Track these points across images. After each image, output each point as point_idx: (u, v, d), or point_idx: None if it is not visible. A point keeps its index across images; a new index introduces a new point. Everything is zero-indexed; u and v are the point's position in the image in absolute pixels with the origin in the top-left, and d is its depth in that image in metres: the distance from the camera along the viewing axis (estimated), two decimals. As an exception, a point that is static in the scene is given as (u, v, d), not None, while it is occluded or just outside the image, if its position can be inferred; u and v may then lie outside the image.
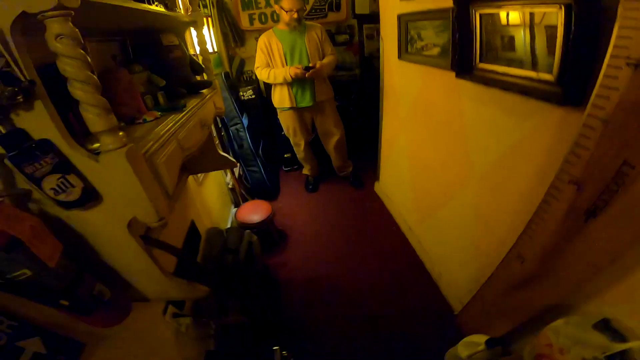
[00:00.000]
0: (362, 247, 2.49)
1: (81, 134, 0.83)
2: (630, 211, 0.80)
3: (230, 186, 2.88)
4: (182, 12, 1.70)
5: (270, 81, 2.75)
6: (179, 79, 1.50)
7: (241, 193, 2.93)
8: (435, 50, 1.66)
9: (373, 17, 3.62)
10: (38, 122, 0.68)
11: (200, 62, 1.73)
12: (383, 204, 2.91)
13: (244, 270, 1.94)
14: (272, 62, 2.72)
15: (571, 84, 0.93)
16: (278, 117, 3.06)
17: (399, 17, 1.96)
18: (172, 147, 0.98)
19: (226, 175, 2.86)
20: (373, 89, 3.51)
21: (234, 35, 3.48)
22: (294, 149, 3.20)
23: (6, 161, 0.68)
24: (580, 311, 1.00)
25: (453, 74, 1.45)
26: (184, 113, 1.16)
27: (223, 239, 2.17)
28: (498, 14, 1.18)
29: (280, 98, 2.82)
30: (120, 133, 0.73)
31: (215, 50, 3.24)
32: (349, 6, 3.61)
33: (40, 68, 0.69)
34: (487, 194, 1.43)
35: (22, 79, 0.63)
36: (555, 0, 0.93)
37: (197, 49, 1.90)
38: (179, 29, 1.69)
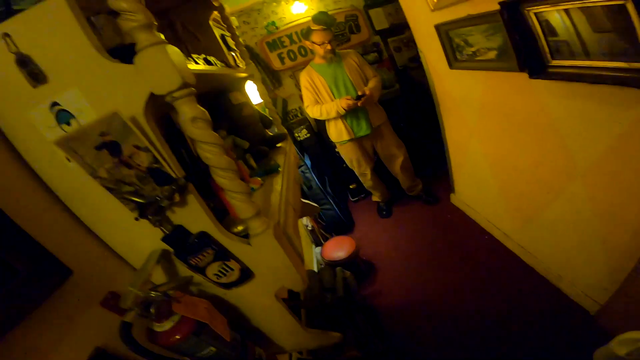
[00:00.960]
0: (456, 262, 2.38)
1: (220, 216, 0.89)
2: None
3: (309, 228, 2.93)
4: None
5: (323, 117, 2.74)
6: (256, 136, 1.52)
7: (320, 232, 2.97)
8: (492, 54, 1.61)
9: (395, 30, 3.67)
10: (192, 216, 0.74)
11: (267, 114, 1.79)
12: (465, 215, 2.79)
13: (347, 305, 1.94)
14: (320, 97, 2.73)
15: None
16: (337, 150, 3.07)
17: (437, 28, 1.93)
18: (291, 213, 1.04)
19: (302, 218, 2.93)
20: (418, 100, 3.48)
21: (270, 78, 3.58)
22: (360, 179, 3.16)
23: (173, 257, 0.75)
24: None
25: (524, 75, 1.39)
26: (281, 174, 1.22)
27: (318, 279, 2.20)
28: (553, 11, 1.14)
29: (337, 132, 2.81)
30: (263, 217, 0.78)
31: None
32: (368, 25, 3.66)
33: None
34: (604, 185, 1.33)
35: (174, 176, 0.68)
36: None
37: (258, 101, 1.96)
38: (238, 85, 1.74)
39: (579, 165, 1.41)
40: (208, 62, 1.15)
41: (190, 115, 0.63)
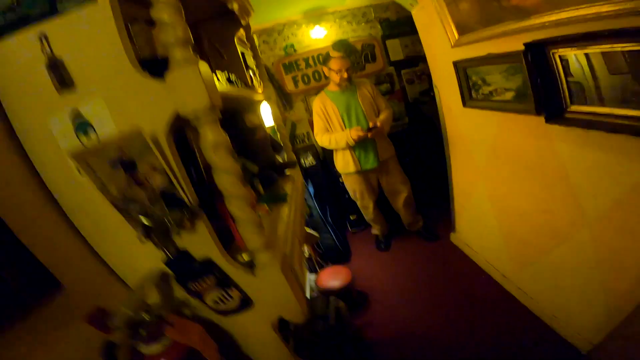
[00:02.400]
0: (452, 299, 2.34)
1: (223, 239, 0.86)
2: None
3: (307, 255, 2.87)
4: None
5: (332, 147, 2.72)
6: (266, 161, 1.50)
7: (316, 259, 2.91)
8: (509, 95, 1.61)
9: (409, 62, 3.72)
10: (199, 242, 0.71)
11: (278, 138, 1.76)
12: (464, 254, 2.75)
13: (338, 335, 1.88)
14: (330, 126, 2.70)
15: None
16: (342, 181, 3.04)
17: (455, 64, 1.95)
18: (296, 246, 1.02)
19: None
20: (426, 135, 3.49)
21: (282, 100, 3.56)
22: (362, 211, 3.12)
23: (173, 281, 0.71)
24: None
25: (540, 119, 1.40)
26: (289, 204, 1.19)
27: (310, 307, 2.12)
28: (584, 54, 1.15)
29: (344, 163, 2.78)
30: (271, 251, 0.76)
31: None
32: (383, 55, 3.71)
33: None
34: (610, 236, 1.31)
35: (188, 202, 0.66)
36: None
37: (270, 123, 1.93)
38: (253, 106, 1.72)
39: (587, 215, 1.39)
40: (230, 81, 1.13)
41: (213, 142, 0.61)
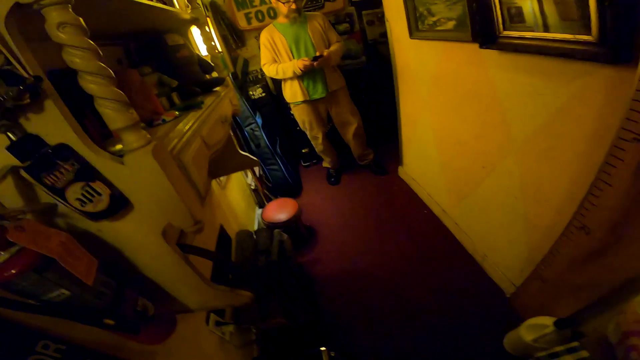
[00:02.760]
0: (394, 235, 2.41)
1: (99, 140, 0.76)
2: None
3: (253, 187, 2.84)
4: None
5: (279, 77, 2.69)
6: (190, 78, 1.47)
7: (264, 193, 2.89)
8: (450, 24, 1.60)
9: (370, 3, 3.56)
10: (51, 124, 0.62)
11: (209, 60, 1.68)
12: (410, 189, 2.83)
13: (279, 270, 1.90)
14: (278, 57, 2.67)
15: (617, 42, 0.84)
16: (292, 112, 3.00)
17: None
18: (197, 144, 0.92)
19: (247, 176, 2.82)
20: (382, 74, 3.44)
21: (233, 37, 3.44)
22: (312, 142, 3.13)
23: (22, 172, 0.62)
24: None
25: (476, 46, 1.37)
26: (202, 110, 1.11)
27: (253, 240, 2.13)
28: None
29: (292, 92, 2.75)
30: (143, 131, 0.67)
31: (220, 51, 3.19)
32: None
33: (48, 74, 0.63)
34: (534, 162, 1.33)
35: (26, 75, 0.57)
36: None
37: (203, 48, 1.84)
38: (180, 28, 1.64)
39: (514, 140, 1.41)
40: None
41: (57, 21, 0.54)
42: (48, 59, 0.62)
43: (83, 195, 0.65)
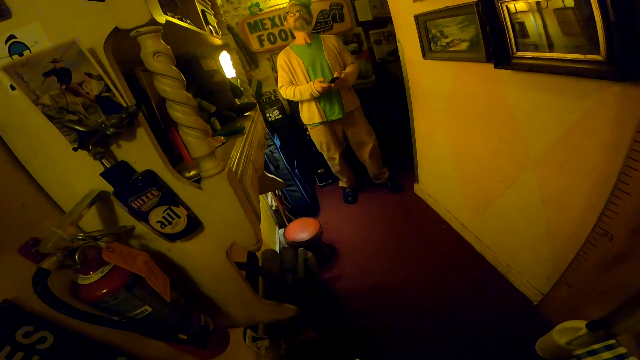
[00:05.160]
0: (415, 250, 2.46)
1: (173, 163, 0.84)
2: None
3: (274, 208, 2.92)
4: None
5: (296, 99, 2.74)
6: (224, 103, 1.53)
7: (285, 213, 2.96)
8: (464, 45, 1.68)
9: (377, 23, 3.68)
10: (140, 152, 0.68)
11: (238, 85, 1.75)
12: (427, 205, 2.88)
13: (306, 286, 1.96)
14: (295, 79, 2.72)
15: (625, 61, 0.92)
16: (308, 133, 3.07)
17: (416, 18, 1.97)
18: (250, 168, 1.00)
19: (267, 198, 2.90)
20: (392, 92, 3.55)
21: (247, 59, 3.54)
22: (329, 163, 3.19)
23: (112, 197, 0.68)
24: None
25: (490, 66, 1.46)
26: (245, 134, 1.18)
27: (279, 259, 2.20)
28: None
29: (310, 114, 2.81)
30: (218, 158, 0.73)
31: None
32: (352, 15, 3.65)
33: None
34: (553, 174, 1.40)
35: (124, 104, 0.62)
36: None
37: (233, 72, 1.90)
38: (212, 53, 1.70)
39: (531, 155, 1.48)
40: (182, 20, 1.11)
41: (153, 49, 0.60)
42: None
43: (164, 217, 0.71)
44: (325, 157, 3.14)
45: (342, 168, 3.17)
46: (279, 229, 2.94)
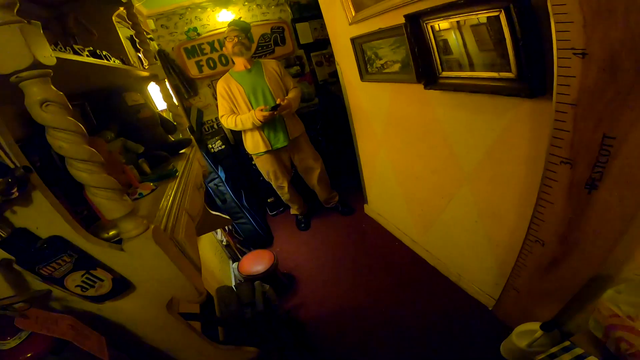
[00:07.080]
0: (371, 269, 2.48)
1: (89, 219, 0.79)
2: (626, 174, 0.86)
3: (224, 243, 2.81)
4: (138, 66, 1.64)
5: (238, 128, 2.63)
6: (154, 141, 1.42)
7: (236, 247, 2.87)
8: (396, 67, 1.74)
9: (318, 45, 3.80)
10: (41, 217, 0.61)
11: (171, 118, 1.65)
12: (378, 224, 2.94)
13: (268, 319, 1.89)
14: (237, 107, 2.63)
15: (532, 78, 1.01)
16: (254, 162, 2.99)
17: (353, 41, 2.02)
18: (184, 218, 0.95)
19: (216, 233, 2.80)
20: (336, 112, 3.59)
21: (184, 86, 3.40)
22: (278, 192, 3.13)
23: (16, 266, 0.61)
24: (620, 278, 1.04)
25: (421, 86, 1.53)
26: (178, 178, 1.12)
27: (235, 295, 2.11)
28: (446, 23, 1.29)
29: (254, 144, 2.72)
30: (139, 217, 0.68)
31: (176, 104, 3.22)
32: (293, 38, 3.73)
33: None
34: (485, 188, 1.49)
35: (12, 165, 0.55)
36: (496, 5, 1.02)
37: (163, 105, 1.79)
38: (138, 86, 1.61)
39: (465, 171, 1.57)
40: (96, 56, 1.03)
41: (39, 97, 0.53)
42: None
43: (84, 282, 0.65)
44: (274, 186, 3.07)
45: (291, 196, 3.12)
46: (233, 262, 2.83)
